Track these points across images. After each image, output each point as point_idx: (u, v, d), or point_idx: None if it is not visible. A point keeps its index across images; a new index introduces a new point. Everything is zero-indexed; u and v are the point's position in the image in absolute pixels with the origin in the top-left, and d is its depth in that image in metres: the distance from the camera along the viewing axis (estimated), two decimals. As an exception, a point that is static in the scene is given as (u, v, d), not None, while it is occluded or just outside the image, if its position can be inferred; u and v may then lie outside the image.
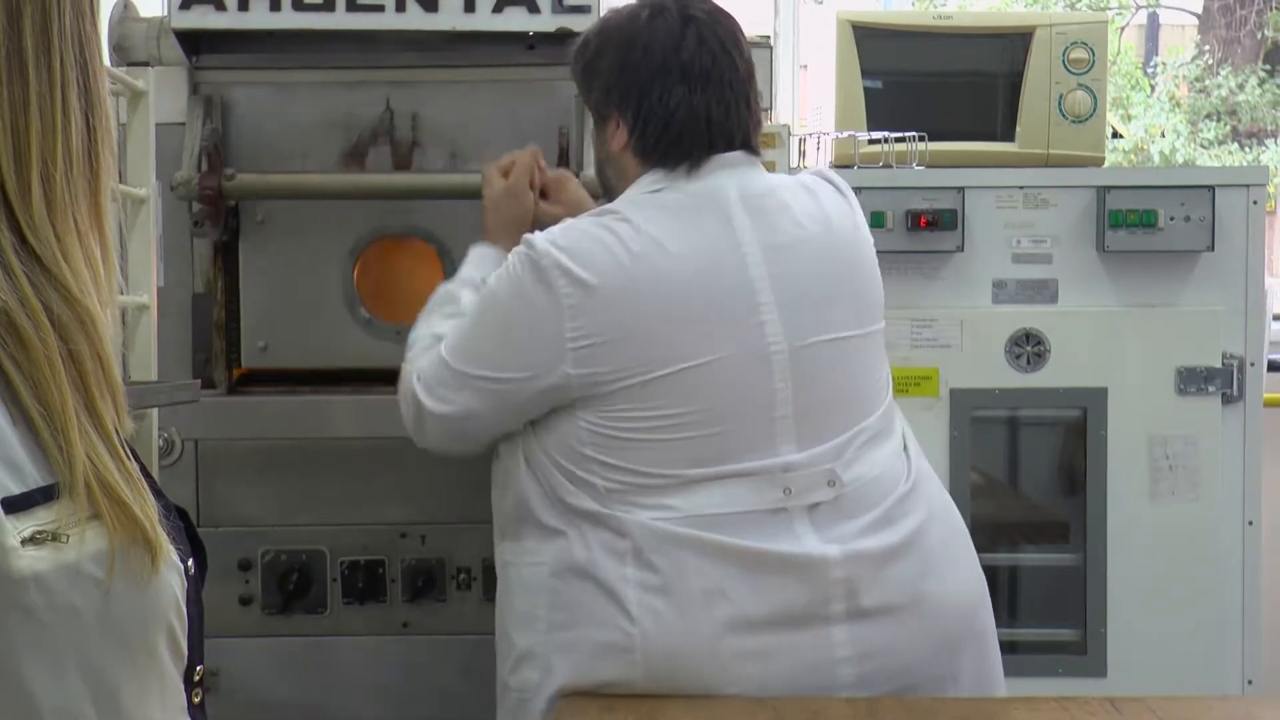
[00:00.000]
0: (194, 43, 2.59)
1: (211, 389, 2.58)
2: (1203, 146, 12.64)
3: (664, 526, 1.89)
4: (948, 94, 2.96)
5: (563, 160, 2.53)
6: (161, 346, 2.20)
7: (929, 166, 2.73)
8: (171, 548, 1.03)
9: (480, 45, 2.61)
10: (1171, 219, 2.66)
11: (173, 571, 1.03)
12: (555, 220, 2.07)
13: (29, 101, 1.00)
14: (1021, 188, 2.71)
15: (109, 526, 0.98)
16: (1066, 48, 2.84)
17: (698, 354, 1.91)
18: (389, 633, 2.62)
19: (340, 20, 2.52)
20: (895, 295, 2.62)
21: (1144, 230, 2.66)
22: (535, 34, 2.54)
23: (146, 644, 1.02)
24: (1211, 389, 2.68)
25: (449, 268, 2.62)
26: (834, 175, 2.13)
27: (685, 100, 2.00)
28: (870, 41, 2.89)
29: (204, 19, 2.51)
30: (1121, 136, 11.03)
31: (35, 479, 0.97)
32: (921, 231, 2.66)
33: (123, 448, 1.03)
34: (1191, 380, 2.68)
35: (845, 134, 2.81)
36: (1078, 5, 12.98)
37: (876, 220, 2.64)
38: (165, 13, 2.53)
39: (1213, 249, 2.66)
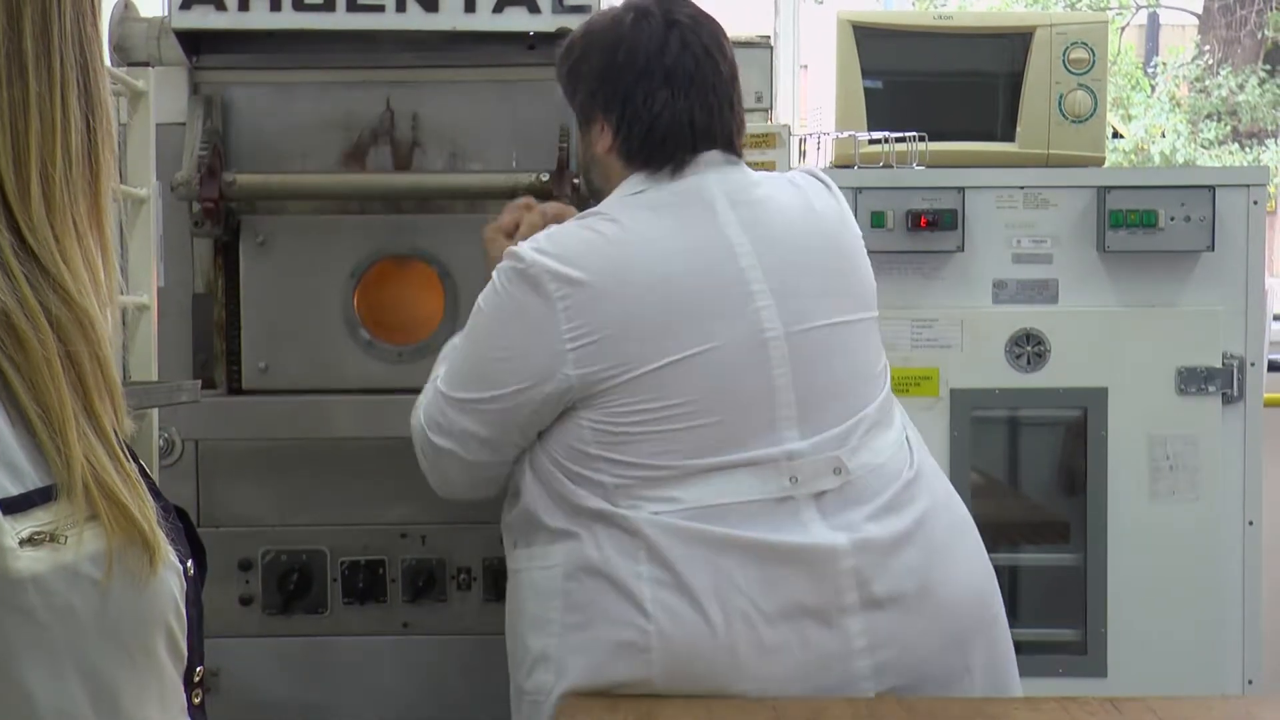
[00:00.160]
0: (194, 43, 2.59)
1: (211, 389, 2.57)
2: (1203, 147, 12.63)
3: (673, 522, 1.89)
4: (948, 94, 2.96)
5: (563, 160, 2.53)
6: (161, 346, 2.20)
7: (929, 166, 2.73)
8: (170, 549, 1.03)
9: (480, 45, 2.61)
10: (1172, 219, 2.66)
11: (171, 572, 1.03)
12: None
13: (29, 102, 1.00)
14: (1022, 188, 2.71)
15: (107, 527, 0.98)
16: (1067, 48, 2.84)
17: (693, 343, 1.92)
18: (389, 633, 2.62)
19: (340, 20, 2.52)
20: (895, 295, 2.63)
21: (1144, 230, 2.66)
22: (535, 34, 2.54)
23: (145, 645, 1.02)
24: (1212, 389, 2.68)
25: (450, 290, 2.62)
26: (819, 172, 2.16)
27: (669, 104, 2.02)
28: (870, 41, 2.89)
29: (204, 19, 2.51)
30: (1122, 136, 11.02)
31: (33, 480, 0.97)
32: (922, 231, 2.66)
33: (121, 449, 1.03)
34: (1192, 380, 2.68)
35: (845, 134, 2.81)
36: (1078, 5, 12.97)
37: (876, 220, 2.64)
38: (165, 13, 2.53)
39: (1213, 249, 2.66)
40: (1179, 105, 12.91)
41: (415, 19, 2.52)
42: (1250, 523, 2.70)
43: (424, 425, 2.05)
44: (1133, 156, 12.14)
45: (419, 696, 2.62)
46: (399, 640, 2.62)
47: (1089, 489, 2.69)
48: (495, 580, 2.60)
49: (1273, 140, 12.66)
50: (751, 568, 1.88)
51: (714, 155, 2.04)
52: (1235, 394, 2.68)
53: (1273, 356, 3.00)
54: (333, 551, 2.60)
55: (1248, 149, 12.70)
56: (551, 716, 1.92)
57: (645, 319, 1.93)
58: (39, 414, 0.98)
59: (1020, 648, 2.70)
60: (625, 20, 2.06)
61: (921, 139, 2.73)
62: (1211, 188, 2.67)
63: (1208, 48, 12.94)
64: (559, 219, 2.23)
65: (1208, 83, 12.76)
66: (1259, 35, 12.85)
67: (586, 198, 2.25)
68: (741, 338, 1.94)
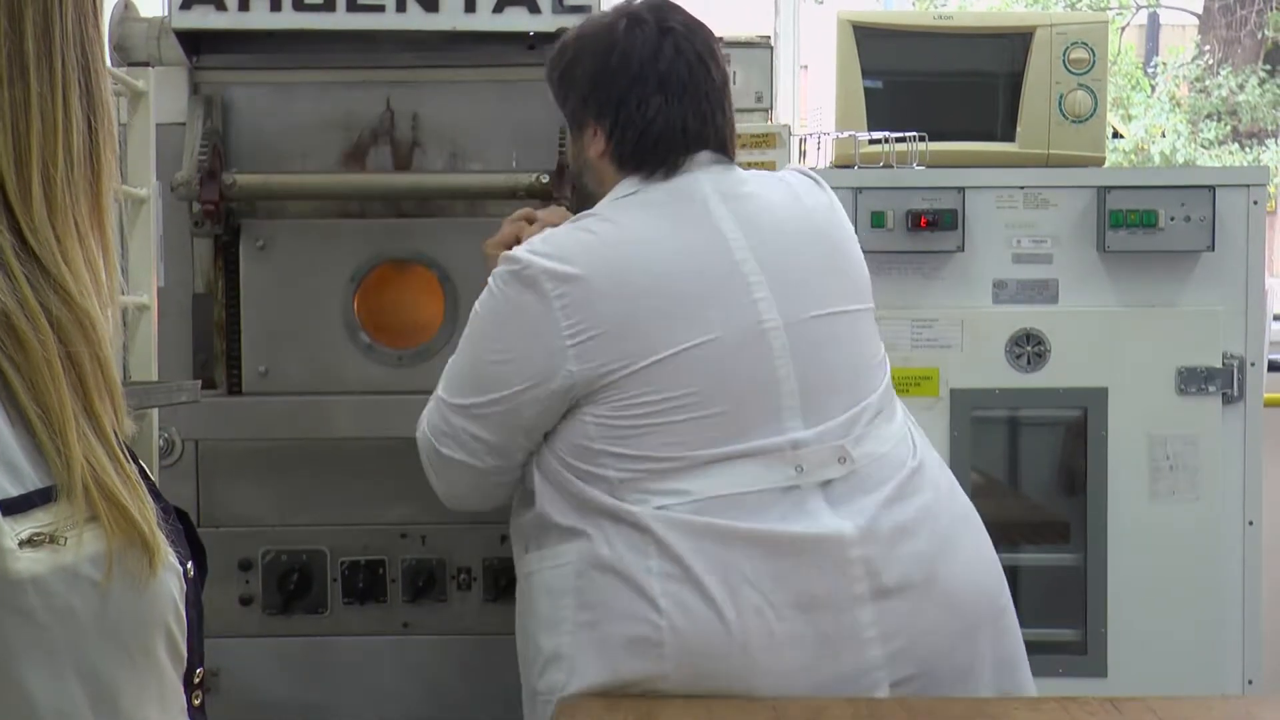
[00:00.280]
0: (194, 43, 2.60)
1: (211, 389, 2.57)
2: (1203, 146, 12.62)
3: (680, 516, 1.89)
4: (948, 94, 2.96)
5: (563, 161, 2.53)
6: (161, 346, 2.20)
7: (929, 166, 2.73)
8: (170, 550, 1.03)
9: (480, 45, 2.61)
10: (1172, 219, 2.66)
11: (171, 574, 1.03)
12: None
13: (30, 103, 1.00)
14: (1022, 188, 2.71)
15: (106, 529, 0.98)
16: (1067, 48, 2.84)
17: (693, 335, 1.93)
18: (389, 633, 2.62)
19: (340, 20, 2.52)
20: (895, 295, 2.63)
21: (1144, 230, 2.66)
22: (535, 34, 2.54)
23: (145, 646, 1.02)
24: (1212, 389, 2.68)
25: (450, 294, 2.62)
26: (809, 171, 2.18)
27: (663, 110, 2.03)
28: (870, 41, 2.89)
29: (204, 19, 2.52)
30: (1122, 136, 11.02)
31: (33, 481, 0.97)
32: (922, 231, 2.66)
33: (121, 450, 1.03)
34: (1192, 380, 2.68)
35: (845, 134, 2.81)
36: (1078, 5, 12.97)
37: (877, 220, 2.65)
38: (165, 13, 2.53)
39: (1213, 249, 2.67)
40: (1179, 105, 12.91)
41: (415, 19, 2.52)
42: (1250, 523, 2.70)
43: (430, 436, 2.05)
44: (1133, 156, 12.13)
45: (419, 696, 2.62)
46: (399, 640, 2.62)
47: (1089, 489, 2.69)
48: (495, 580, 2.61)
49: (1273, 140, 12.66)
50: (760, 560, 1.88)
51: (704, 156, 2.05)
52: (1235, 394, 2.68)
53: (1273, 356, 3.00)
54: (333, 551, 2.60)
55: (1248, 149, 12.69)
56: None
57: (644, 313, 1.94)
58: (39, 415, 0.98)
59: (1020, 648, 2.70)
60: (619, 26, 2.06)
61: (921, 139, 2.73)
62: (1211, 188, 2.67)
63: (1208, 48, 12.94)
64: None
65: (1208, 83, 12.75)
66: (1259, 35, 12.85)
67: (581, 201, 2.25)
68: (741, 328, 1.95)
